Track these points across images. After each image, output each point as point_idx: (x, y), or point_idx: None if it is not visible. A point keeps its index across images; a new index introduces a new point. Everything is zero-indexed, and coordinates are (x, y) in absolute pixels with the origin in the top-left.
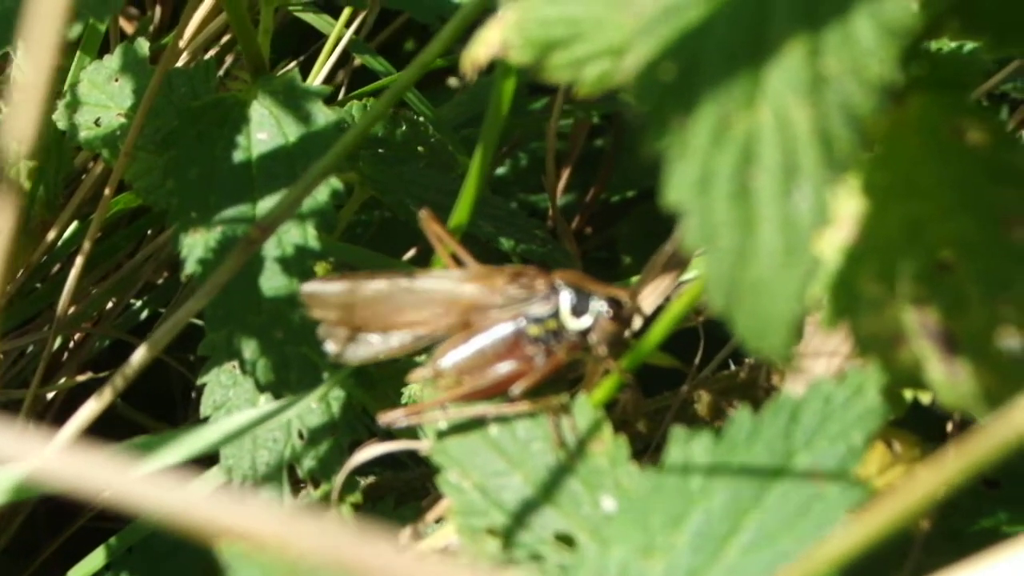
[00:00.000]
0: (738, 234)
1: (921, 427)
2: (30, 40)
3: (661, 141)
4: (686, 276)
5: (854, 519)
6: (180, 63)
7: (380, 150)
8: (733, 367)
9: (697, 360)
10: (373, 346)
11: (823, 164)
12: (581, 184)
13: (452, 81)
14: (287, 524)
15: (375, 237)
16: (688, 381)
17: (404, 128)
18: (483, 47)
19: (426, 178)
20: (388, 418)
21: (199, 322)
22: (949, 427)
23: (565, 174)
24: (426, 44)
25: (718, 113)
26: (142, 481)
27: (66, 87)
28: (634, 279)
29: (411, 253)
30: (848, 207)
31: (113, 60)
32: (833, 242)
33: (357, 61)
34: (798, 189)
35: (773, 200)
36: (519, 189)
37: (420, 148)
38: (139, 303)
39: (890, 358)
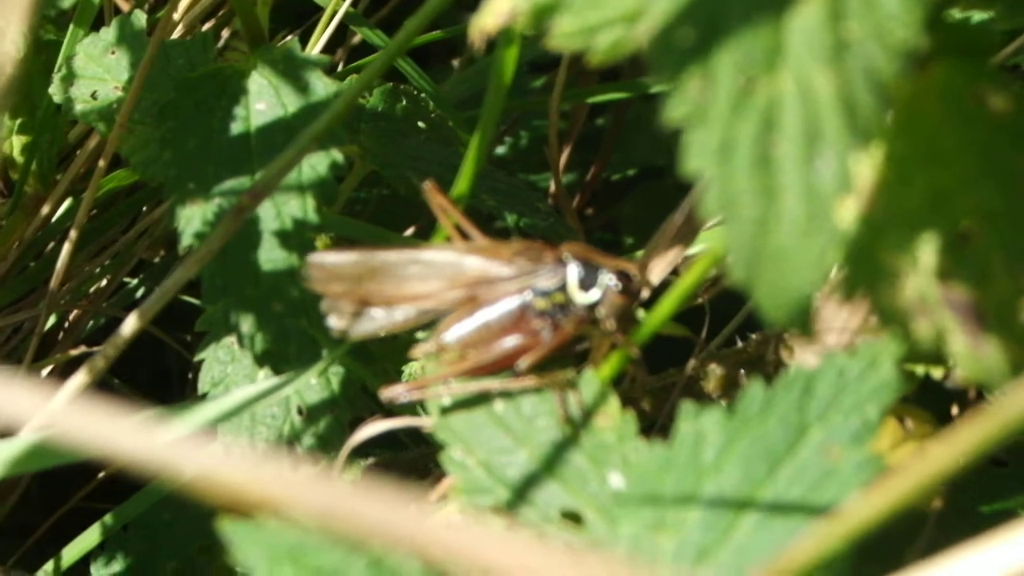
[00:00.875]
0: (760, 202)
1: (929, 404)
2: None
3: (680, 109)
4: (693, 249)
5: (867, 494)
6: (177, 35)
7: (381, 124)
8: (740, 343)
9: (703, 336)
10: (377, 320)
11: (846, 131)
12: (581, 163)
13: (454, 63)
14: (310, 488)
15: (373, 215)
16: (695, 356)
17: (404, 103)
18: (492, 16)
19: (428, 152)
20: (390, 394)
21: (196, 301)
22: (954, 408)
23: (566, 153)
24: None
25: (739, 80)
26: (160, 443)
27: (61, 60)
28: (639, 254)
29: (409, 231)
30: (868, 176)
31: (109, 32)
32: (852, 211)
33: (356, 38)
34: (820, 157)
35: (795, 168)
36: (519, 168)
37: (421, 123)
38: (134, 281)
39: (910, 330)
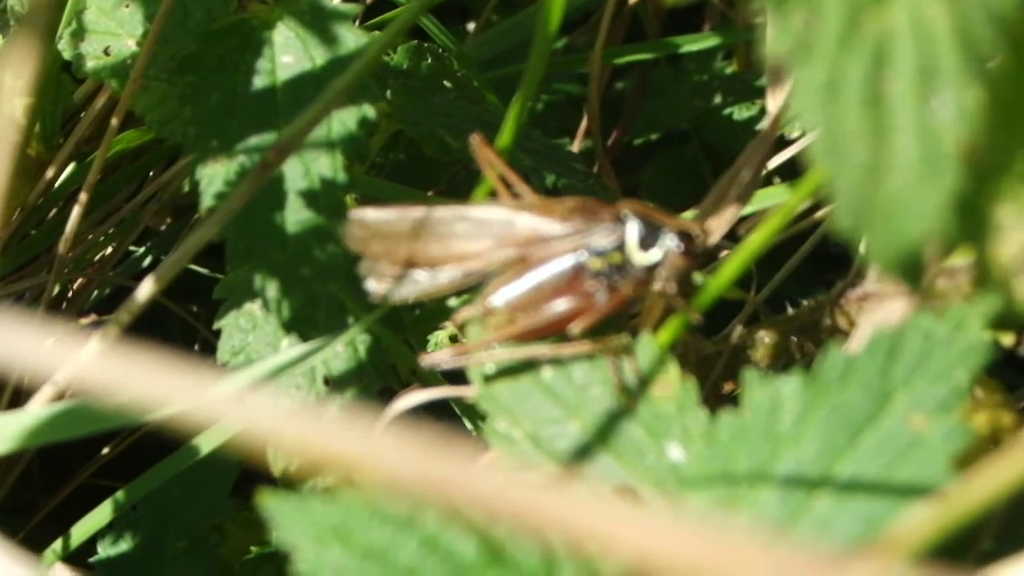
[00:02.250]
0: (871, 145)
1: (994, 372)
2: None
3: (783, 43)
4: (749, 208)
5: (991, 468)
6: None
7: (408, 82)
8: (790, 309)
9: (752, 297)
10: (420, 283)
11: (964, 68)
12: (602, 128)
13: (470, 26)
14: (373, 444)
15: (391, 177)
16: (740, 322)
17: (430, 61)
18: None
19: (458, 110)
20: (431, 360)
21: (203, 270)
22: None
23: (585, 118)
24: None
25: (847, 12)
26: (208, 396)
27: (69, 14)
28: (688, 214)
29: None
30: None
31: None
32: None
33: None
34: (936, 95)
35: (909, 107)
36: (541, 132)
37: (447, 83)
38: (140, 250)
39: (1011, 288)
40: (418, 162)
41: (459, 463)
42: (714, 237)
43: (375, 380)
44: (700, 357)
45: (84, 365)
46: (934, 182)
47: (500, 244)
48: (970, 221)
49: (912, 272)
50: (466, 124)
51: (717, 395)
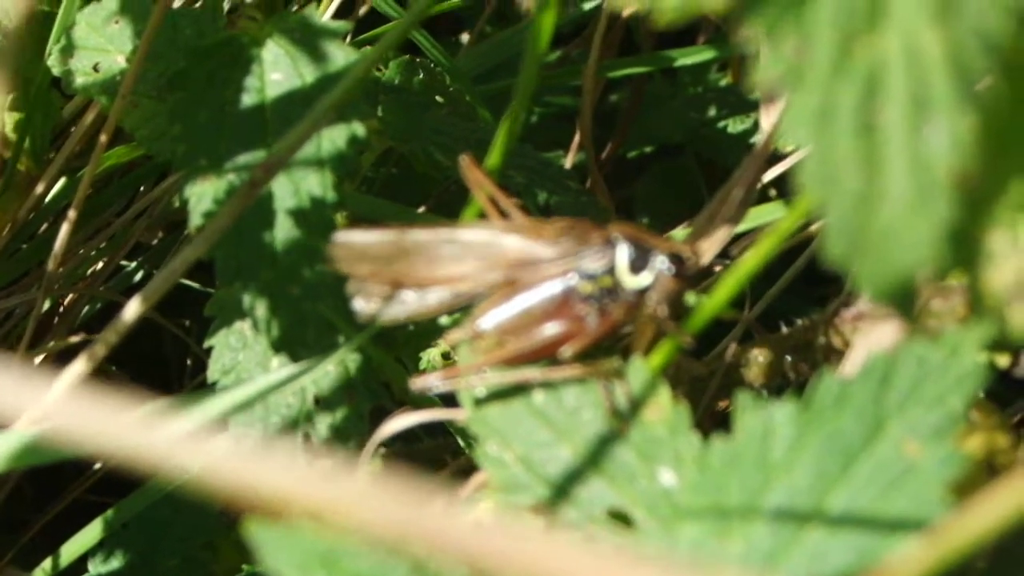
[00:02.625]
0: (863, 173)
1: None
2: None
3: (775, 69)
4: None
5: (990, 498)
6: (183, 3)
7: (399, 97)
8: (784, 328)
9: (745, 316)
10: (408, 304)
11: (957, 96)
12: (595, 141)
13: (464, 37)
14: (330, 485)
15: (383, 191)
16: (733, 340)
17: (421, 76)
18: None
19: (450, 126)
20: (421, 383)
21: (195, 284)
22: None
23: (578, 132)
24: None
25: (839, 38)
26: (167, 438)
27: (59, 30)
28: (679, 234)
29: (419, 211)
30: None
31: (112, 0)
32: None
33: (363, 9)
34: (929, 123)
35: (902, 136)
36: (534, 147)
37: (439, 98)
38: (132, 265)
39: (1005, 315)
40: (410, 177)
41: (438, 512)
42: (706, 258)
43: (366, 399)
44: (692, 378)
45: (54, 403)
46: (927, 212)
47: (488, 267)
48: (963, 249)
49: (905, 301)
50: (458, 141)
51: (711, 415)
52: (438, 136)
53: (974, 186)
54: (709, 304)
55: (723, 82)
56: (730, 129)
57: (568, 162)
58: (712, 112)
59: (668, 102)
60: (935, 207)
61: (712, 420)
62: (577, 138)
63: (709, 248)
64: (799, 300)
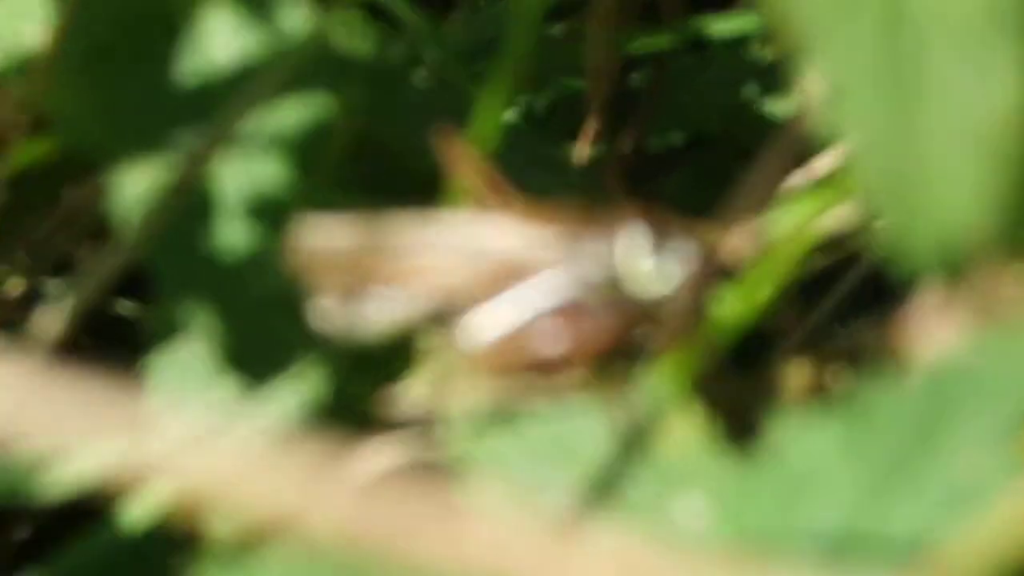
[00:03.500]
0: (894, 112)
1: None
2: None
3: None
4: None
5: None
6: None
7: (373, 73)
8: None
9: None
10: (380, 314)
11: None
12: (612, 130)
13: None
14: (320, 496)
15: (362, 191)
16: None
17: (400, 48)
18: None
19: (435, 106)
20: (397, 407)
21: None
22: None
23: (593, 119)
24: None
25: None
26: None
27: None
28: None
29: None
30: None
31: None
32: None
33: None
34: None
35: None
36: (540, 138)
37: (421, 74)
38: (56, 283)
39: None
40: (389, 172)
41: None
42: (737, 251)
43: (331, 424)
44: (723, 396)
45: None
46: (970, 155)
47: (477, 266)
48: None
49: (951, 268)
50: (442, 123)
51: (744, 436)
52: (421, 117)
53: None
54: (745, 306)
55: (764, 57)
56: (773, 113)
57: (580, 156)
58: (752, 93)
59: (699, 83)
60: (979, 150)
61: (744, 445)
62: (592, 127)
63: (741, 239)
64: (851, 309)
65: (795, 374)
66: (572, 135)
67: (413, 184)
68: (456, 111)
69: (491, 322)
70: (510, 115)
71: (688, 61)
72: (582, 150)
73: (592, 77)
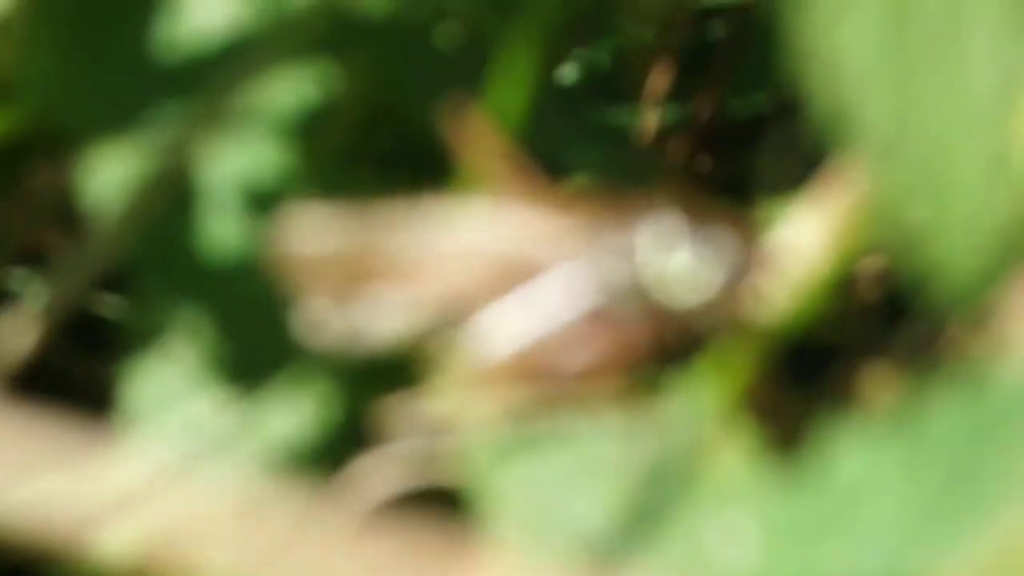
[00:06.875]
0: (897, 108)
1: None
2: None
3: None
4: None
5: None
6: None
7: (387, 36)
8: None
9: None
10: (378, 322)
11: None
12: (686, 94)
13: None
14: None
15: (375, 170)
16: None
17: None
18: None
19: (460, 74)
20: (400, 426)
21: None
22: None
23: (663, 77)
24: None
25: None
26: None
27: None
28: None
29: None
30: None
31: None
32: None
33: None
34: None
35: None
36: (591, 101)
37: (444, 36)
38: (20, 274)
39: None
40: (407, 152)
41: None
42: (796, 248)
43: (334, 445)
44: (774, 412)
45: None
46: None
47: (491, 267)
48: None
49: (971, 291)
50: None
51: (797, 455)
52: (436, 81)
53: None
54: (802, 312)
55: None
56: None
57: (645, 123)
58: None
59: (787, 37)
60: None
61: (798, 466)
62: (655, 85)
63: (804, 233)
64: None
65: (858, 385)
66: (635, 98)
67: (435, 164)
68: (481, 70)
69: (507, 328)
70: (561, 74)
71: (773, 11)
72: (648, 117)
73: (660, 26)
